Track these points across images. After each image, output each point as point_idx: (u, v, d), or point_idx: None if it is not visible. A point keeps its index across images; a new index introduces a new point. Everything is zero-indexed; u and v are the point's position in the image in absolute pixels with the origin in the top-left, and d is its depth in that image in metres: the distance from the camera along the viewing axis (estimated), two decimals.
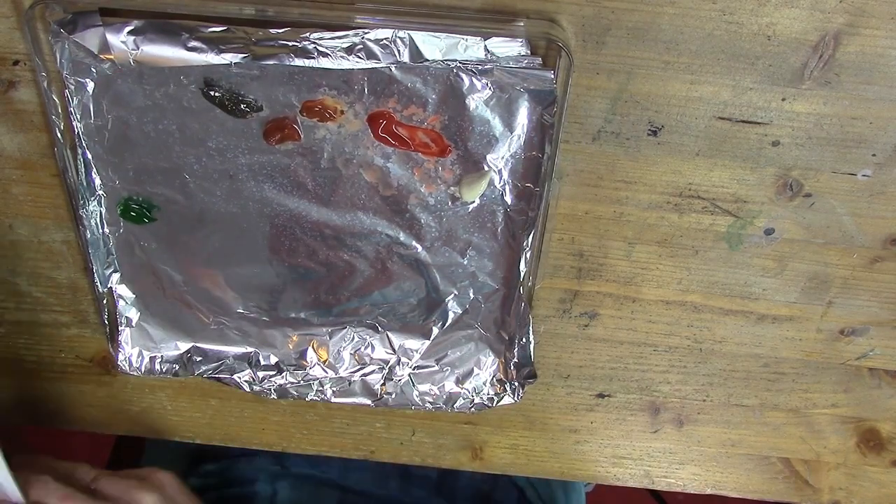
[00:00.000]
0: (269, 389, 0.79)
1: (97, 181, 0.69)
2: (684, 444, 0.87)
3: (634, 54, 0.63)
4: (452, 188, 0.68)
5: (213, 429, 0.88)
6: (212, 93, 0.64)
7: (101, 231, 0.71)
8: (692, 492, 0.91)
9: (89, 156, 0.67)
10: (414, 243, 0.71)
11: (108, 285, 0.74)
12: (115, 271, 0.74)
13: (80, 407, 0.87)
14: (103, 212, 0.70)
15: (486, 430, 0.87)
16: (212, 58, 0.61)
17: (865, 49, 0.62)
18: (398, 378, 0.79)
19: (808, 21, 0.61)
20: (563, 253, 0.73)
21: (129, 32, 0.60)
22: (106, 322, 0.76)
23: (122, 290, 0.75)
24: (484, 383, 0.79)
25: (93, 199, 0.69)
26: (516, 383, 0.78)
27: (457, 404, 0.80)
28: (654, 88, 0.65)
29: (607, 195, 0.70)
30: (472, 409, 0.80)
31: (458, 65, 0.61)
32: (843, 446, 0.86)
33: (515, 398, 0.79)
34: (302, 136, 0.66)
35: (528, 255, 0.70)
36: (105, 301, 0.75)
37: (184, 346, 0.79)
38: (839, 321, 0.77)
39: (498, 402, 0.79)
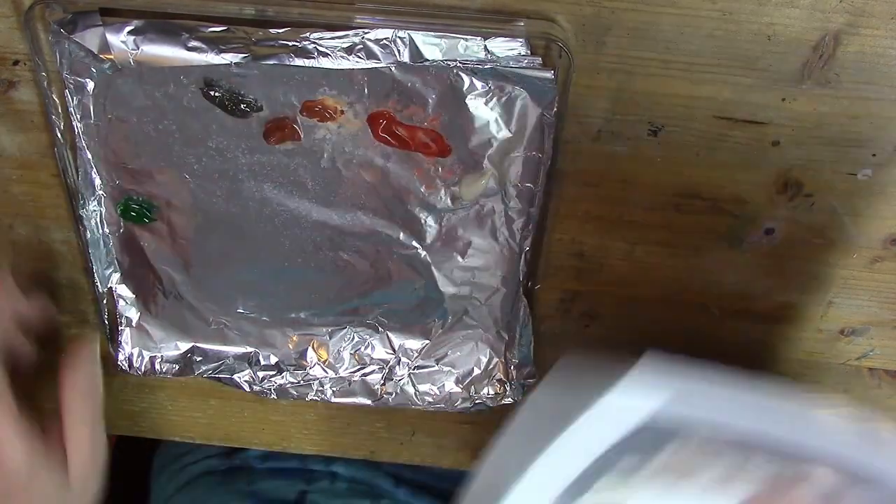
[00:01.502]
0: (269, 389, 0.79)
1: (97, 181, 0.69)
2: None
3: (634, 54, 0.63)
4: (452, 188, 0.68)
5: (213, 429, 0.88)
6: (212, 93, 0.64)
7: (101, 231, 0.71)
8: None
9: (89, 156, 0.67)
10: (414, 243, 0.71)
11: (108, 285, 0.74)
12: (115, 271, 0.74)
13: None
14: (103, 212, 0.70)
15: (486, 430, 0.86)
16: (212, 58, 0.60)
17: (865, 49, 0.62)
18: (398, 378, 0.79)
19: (808, 21, 0.61)
20: (563, 253, 0.73)
21: (129, 32, 0.60)
22: (106, 322, 0.76)
23: (122, 290, 0.75)
24: (484, 383, 0.79)
25: (93, 199, 0.69)
26: (516, 383, 0.78)
27: (457, 404, 0.79)
28: (654, 88, 0.65)
29: (607, 195, 0.70)
30: (473, 409, 0.80)
31: (458, 65, 0.61)
32: None
33: (516, 398, 0.79)
34: (302, 136, 0.66)
35: (528, 255, 0.71)
36: (105, 301, 0.75)
37: (184, 346, 0.78)
38: (839, 321, 0.77)
39: (498, 402, 0.79)
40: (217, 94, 0.64)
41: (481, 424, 0.86)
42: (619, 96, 0.65)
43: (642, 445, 0.60)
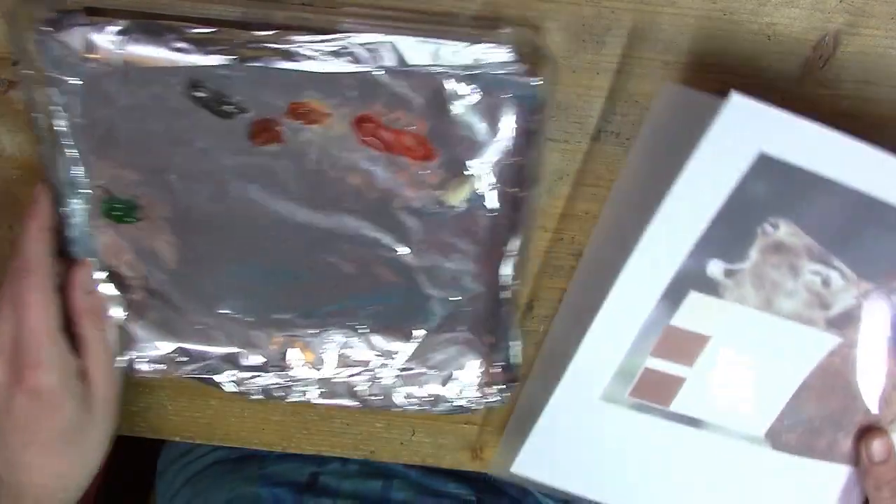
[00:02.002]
0: (253, 390, 0.79)
1: (82, 180, 0.68)
2: None
3: (634, 54, 0.63)
4: (437, 192, 0.68)
5: (213, 429, 0.88)
6: (197, 94, 0.63)
7: (84, 229, 0.71)
8: None
9: (74, 154, 0.67)
10: (398, 246, 0.71)
11: None
12: (99, 270, 0.74)
13: None
14: (87, 210, 0.70)
15: (486, 430, 0.86)
16: (197, 59, 0.60)
17: (865, 49, 0.62)
18: (383, 380, 0.79)
19: (808, 21, 0.61)
20: (563, 253, 0.73)
21: (115, 32, 0.60)
22: None
23: (106, 289, 0.75)
24: (468, 386, 0.79)
25: (76, 197, 0.69)
26: (500, 386, 0.78)
27: (441, 407, 0.79)
28: (654, 88, 0.65)
29: (607, 195, 0.70)
30: (458, 412, 0.80)
31: (445, 70, 0.61)
32: None
33: (499, 402, 0.79)
34: (288, 139, 0.66)
35: (511, 260, 0.70)
36: None
37: (168, 346, 0.78)
38: None
39: (483, 405, 0.79)
40: (202, 95, 0.64)
41: (481, 425, 0.86)
42: (619, 96, 0.65)
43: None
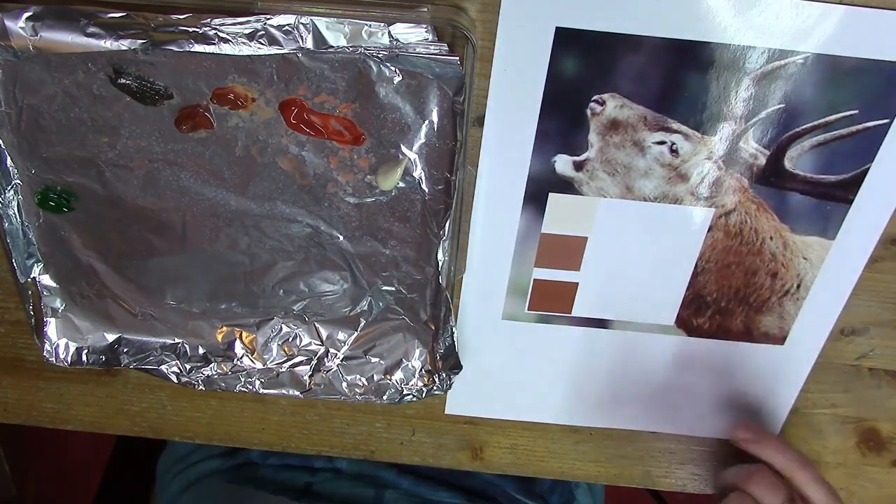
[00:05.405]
0: (197, 381, 0.78)
1: (12, 170, 0.68)
2: (684, 444, 0.86)
3: None
4: (369, 177, 0.67)
5: (212, 429, 0.88)
6: (120, 80, 0.63)
7: (19, 220, 0.70)
8: (692, 492, 0.89)
9: (2, 144, 0.66)
10: (335, 233, 0.70)
11: (31, 276, 0.73)
12: (37, 262, 0.73)
13: (80, 407, 0.87)
14: (21, 201, 0.70)
15: (486, 430, 0.86)
16: (110, 44, 0.59)
17: None
18: (326, 369, 0.78)
19: None
20: None
21: (28, 18, 0.59)
22: (31, 313, 0.75)
23: (46, 281, 0.75)
24: (413, 374, 0.78)
25: (9, 187, 0.69)
26: (443, 374, 0.77)
27: (385, 396, 0.78)
28: None
29: None
30: (401, 401, 0.79)
31: (364, 51, 0.59)
32: (843, 446, 0.85)
33: (444, 389, 0.77)
34: (215, 124, 0.65)
35: (446, 245, 0.69)
36: (29, 292, 0.74)
37: (111, 336, 0.78)
38: (839, 321, 0.76)
39: (427, 393, 0.78)
40: (126, 81, 0.63)
41: (481, 425, 0.85)
42: None
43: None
